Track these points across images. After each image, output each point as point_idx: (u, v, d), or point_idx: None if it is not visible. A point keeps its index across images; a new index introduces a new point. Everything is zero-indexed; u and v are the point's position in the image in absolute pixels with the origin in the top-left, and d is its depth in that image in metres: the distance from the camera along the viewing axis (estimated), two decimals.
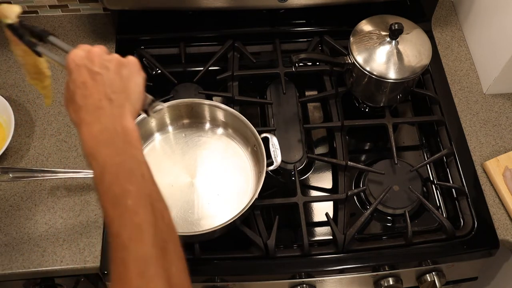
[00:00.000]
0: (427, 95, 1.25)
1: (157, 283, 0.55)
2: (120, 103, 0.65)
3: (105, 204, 0.60)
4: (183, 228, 1.05)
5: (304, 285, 1.07)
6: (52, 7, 1.35)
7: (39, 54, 0.79)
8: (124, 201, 0.58)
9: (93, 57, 0.68)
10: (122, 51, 1.28)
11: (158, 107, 0.74)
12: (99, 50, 0.69)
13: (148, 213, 0.58)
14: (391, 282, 1.08)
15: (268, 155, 1.06)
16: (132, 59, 0.71)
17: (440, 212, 1.14)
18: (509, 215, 1.11)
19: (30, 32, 0.79)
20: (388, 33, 1.12)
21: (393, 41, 1.12)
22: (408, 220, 1.06)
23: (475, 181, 1.14)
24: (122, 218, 0.58)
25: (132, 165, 0.61)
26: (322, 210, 1.13)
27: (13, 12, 0.80)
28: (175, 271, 0.58)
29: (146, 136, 1.13)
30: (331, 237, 1.08)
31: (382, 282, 1.09)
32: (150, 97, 0.74)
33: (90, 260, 1.04)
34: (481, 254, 1.08)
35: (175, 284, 0.57)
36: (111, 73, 0.67)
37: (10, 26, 0.80)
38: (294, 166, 1.14)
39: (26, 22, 0.80)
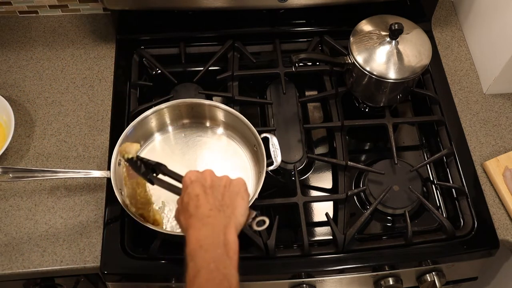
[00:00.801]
0: (427, 95, 1.25)
1: None
2: (227, 215, 0.72)
3: None
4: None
5: (304, 285, 1.07)
6: (52, 7, 1.35)
7: (152, 182, 0.90)
8: None
9: (206, 176, 0.78)
10: (122, 51, 1.30)
11: (263, 225, 0.79)
12: (210, 171, 0.79)
13: None
14: (391, 282, 1.08)
15: (268, 155, 1.06)
16: (240, 179, 0.79)
17: (440, 212, 1.14)
18: (509, 215, 1.11)
19: (145, 165, 0.91)
20: (388, 33, 1.12)
21: (393, 41, 1.12)
22: (408, 220, 1.06)
23: (475, 181, 1.14)
24: None
25: (222, 275, 0.67)
26: (322, 210, 1.13)
27: (134, 149, 0.95)
28: None
29: (146, 136, 1.13)
30: (331, 237, 1.08)
31: (382, 282, 1.09)
32: (254, 212, 0.78)
33: (90, 260, 1.04)
34: (481, 254, 1.08)
35: None
36: (221, 189, 0.76)
37: (130, 160, 0.93)
38: (294, 166, 1.14)
39: (142, 157, 0.93)
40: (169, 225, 1.05)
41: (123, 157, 0.96)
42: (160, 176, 0.90)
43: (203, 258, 0.68)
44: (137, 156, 0.93)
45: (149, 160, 0.92)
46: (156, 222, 1.01)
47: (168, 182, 0.88)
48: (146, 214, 1.00)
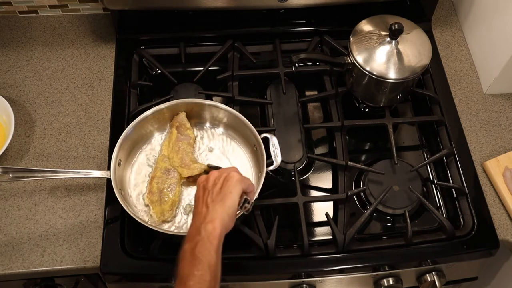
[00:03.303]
0: (427, 95, 1.25)
1: None
2: (214, 209, 0.85)
3: (177, 278, 0.79)
4: (184, 228, 1.05)
5: (304, 285, 1.07)
6: (52, 7, 1.35)
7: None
8: (188, 282, 0.77)
9: (210, 178, 0.91)
10: (122, 51, 1.30)
11: (246, 205, 0.91)
12: (216, 173, 0.91)
13: None
14: (391, 282, 1.08)
15: (268, 155, 1.06)
16: (232, 175, 0.90)
17: (440, 212, 1.14)
18: (509, 215, 1.11)
19: None
20: (388, 33, 1.12)
21: (393, 41, 1.12)
22: (408, 220, 1.06)
23: (475, 181, 1.14)
24: None
25: (202, 256, 0.79)
26: (322, 210, 1.13)
27: (182, 117, 1.11)
28: None
29: (147, 136, 1.13)
30: (331, 237, 1.08)
31: (382, 282, 1.09)
32: (244, 197, 0.91)
33: (90, 260, 1.04)
34: (481, 254, 1.08)
35: None
36: (216, 188, 0.88)
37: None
38: (294, 166, 1.14)
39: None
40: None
41: (176, 127, 1.10)
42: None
43: (188, 247, 0.81)
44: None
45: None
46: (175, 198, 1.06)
47: None
48: (158, 208, 1.04)
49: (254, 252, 1.05)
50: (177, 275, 0.80)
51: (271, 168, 1.06)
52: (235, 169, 0.93)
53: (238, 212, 0.89)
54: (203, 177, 0.92)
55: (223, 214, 0.84)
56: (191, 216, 1.06)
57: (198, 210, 0.87)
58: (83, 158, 1.16)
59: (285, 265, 1.05)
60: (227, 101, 1.22)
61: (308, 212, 1.13)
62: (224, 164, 1.11)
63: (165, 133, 1.15)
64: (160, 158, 1.10)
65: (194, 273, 0.77)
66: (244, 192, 0.91)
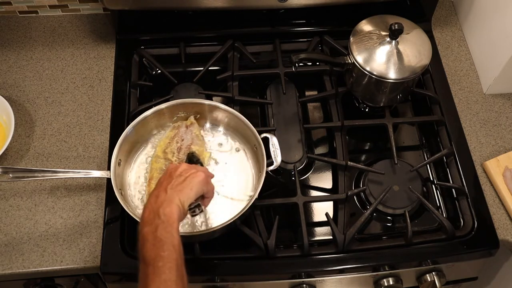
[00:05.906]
0: (427, 95, 1.25)
1: None
2: (171, 195, 0.87)
3: (142, 262, 0.79)
4: (183, 228, 1.05)
5: (304, 285, 1.07)
6: (52, 7, 1.35)
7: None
8: (157, 263, 0.77)
9: (178, 168, 0.93)
10: (122, 51, 1.30)
11: (197, 211, 0.93)
12: (185, 166, 0.94)
13: (173, 273, 0.77)
14: (391, 282, 1.08)
15: (268, 155, 1.06)
16: (199, 174, 0.91)
17: (440, 212, 1.14)
18: (509, 215, 1.11)
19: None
20: (388, 33, 1.12)
21: (393, 41, 1.12)
22: (408, 220, 1.06)
23: (475, 181, 1.14)
24: (153, 275, 0.76)
25: (165, 238, 0.80)
26: (322, 210, 1.13)
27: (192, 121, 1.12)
28: None
29: (147, 136, 1.13)
30: (331, 237, 1.08)
31: (382, 282, 1.09)
32: (199, 202, 0.92)
33: (90, 260, 1.04)
34: (481, 254, 1.08)
35: None
36: (180, 179, 0.90)
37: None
38: (294, 166, 1.14)
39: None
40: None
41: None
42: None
43: (147, 230, 0.81)
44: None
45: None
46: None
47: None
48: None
49: (254, 252, 1.05)
50: (140, 259, 0.80)
51: (271, 168, 1.06)
52: (205, 170, 0.95)
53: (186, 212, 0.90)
54: (173, 165, 0.94)
55: (178, 203, 0.86)
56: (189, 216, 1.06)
57: (156, 193, 0.87)
58: (83, 158, 1.16)
59: (285, 265, 1.05)
60: (227, 101, 1.22)
61: (308, 212, 1.13)
62: (223, 166, 1.12)
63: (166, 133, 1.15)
64: (154, 160, 1.09)
65: (161, 254, 0.78)
66: (202, 196, 0.93)
